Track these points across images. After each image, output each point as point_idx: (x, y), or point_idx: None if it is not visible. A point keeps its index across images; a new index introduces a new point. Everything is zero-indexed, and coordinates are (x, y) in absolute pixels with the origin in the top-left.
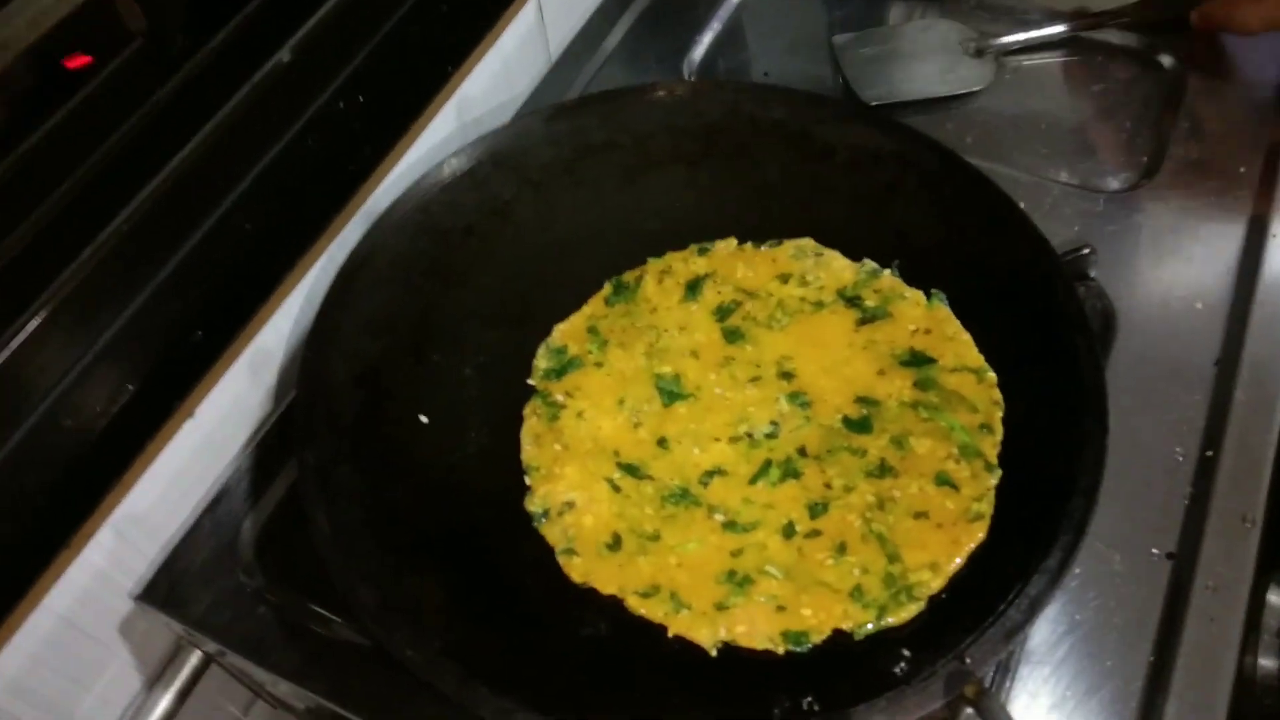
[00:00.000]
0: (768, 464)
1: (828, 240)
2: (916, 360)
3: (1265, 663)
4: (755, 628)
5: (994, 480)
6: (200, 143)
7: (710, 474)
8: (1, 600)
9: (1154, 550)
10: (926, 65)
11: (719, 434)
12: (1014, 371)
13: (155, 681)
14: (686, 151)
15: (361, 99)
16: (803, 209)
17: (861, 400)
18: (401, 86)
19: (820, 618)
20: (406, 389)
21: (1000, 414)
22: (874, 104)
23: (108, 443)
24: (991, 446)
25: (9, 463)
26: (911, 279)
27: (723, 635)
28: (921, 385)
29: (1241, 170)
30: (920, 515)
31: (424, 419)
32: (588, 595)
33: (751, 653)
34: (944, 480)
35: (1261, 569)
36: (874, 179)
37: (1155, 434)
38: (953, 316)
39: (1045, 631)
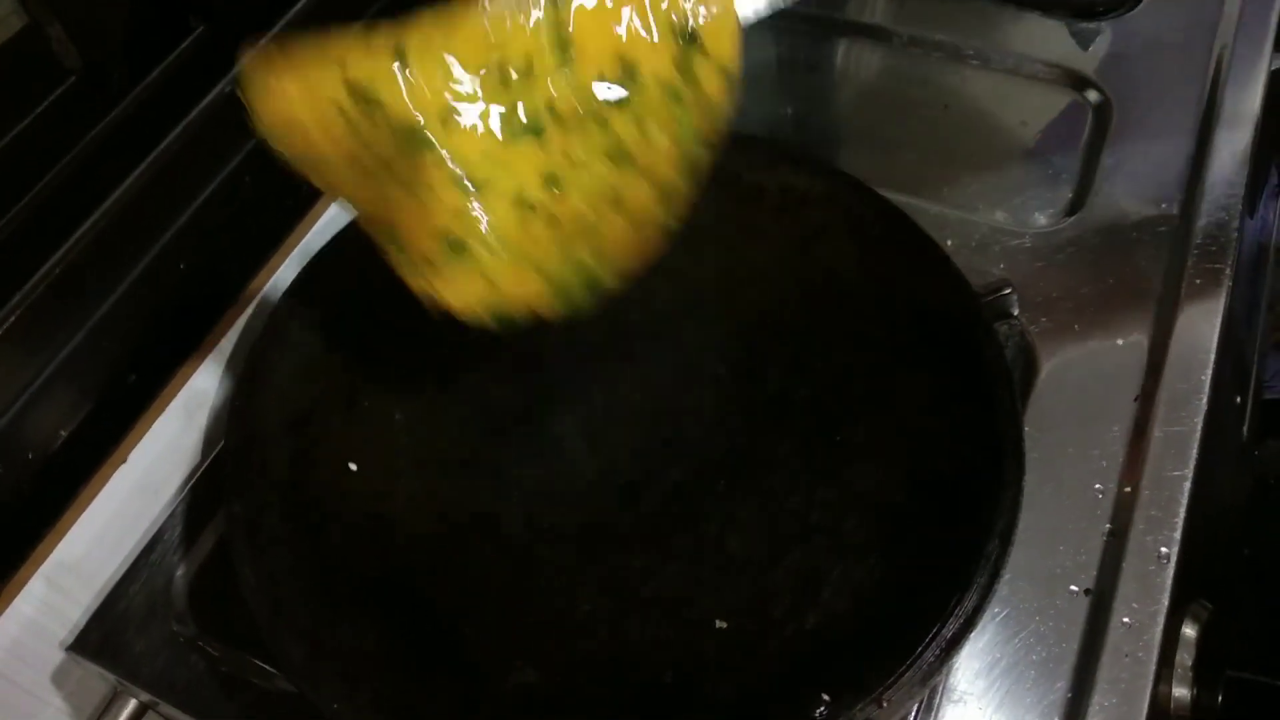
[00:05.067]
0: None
1: (756, 281)
2: (689, 38)
3: (1179, 692)
4: (462, 295)
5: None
6: (135, 180)
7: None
8: None
9: (1072, 586)
10: None
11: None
12: (933, 413)
13: None
14: None
15: None
16: (730, 249)
17: (623, 64)
18: None
19: (519, 297)
20: (337, 436)
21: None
22: None
23: (39, 489)
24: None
25: None
26: (838, 317)
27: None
28: (682, 70)
29: (1163, 207)
30: (634, 219)
31: (353, 466)
32: (519, 643)
33: (679, 702)
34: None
35: (1176, 603)
36: (803, 220)
37: (1075, 470)
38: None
39: (967, 668)
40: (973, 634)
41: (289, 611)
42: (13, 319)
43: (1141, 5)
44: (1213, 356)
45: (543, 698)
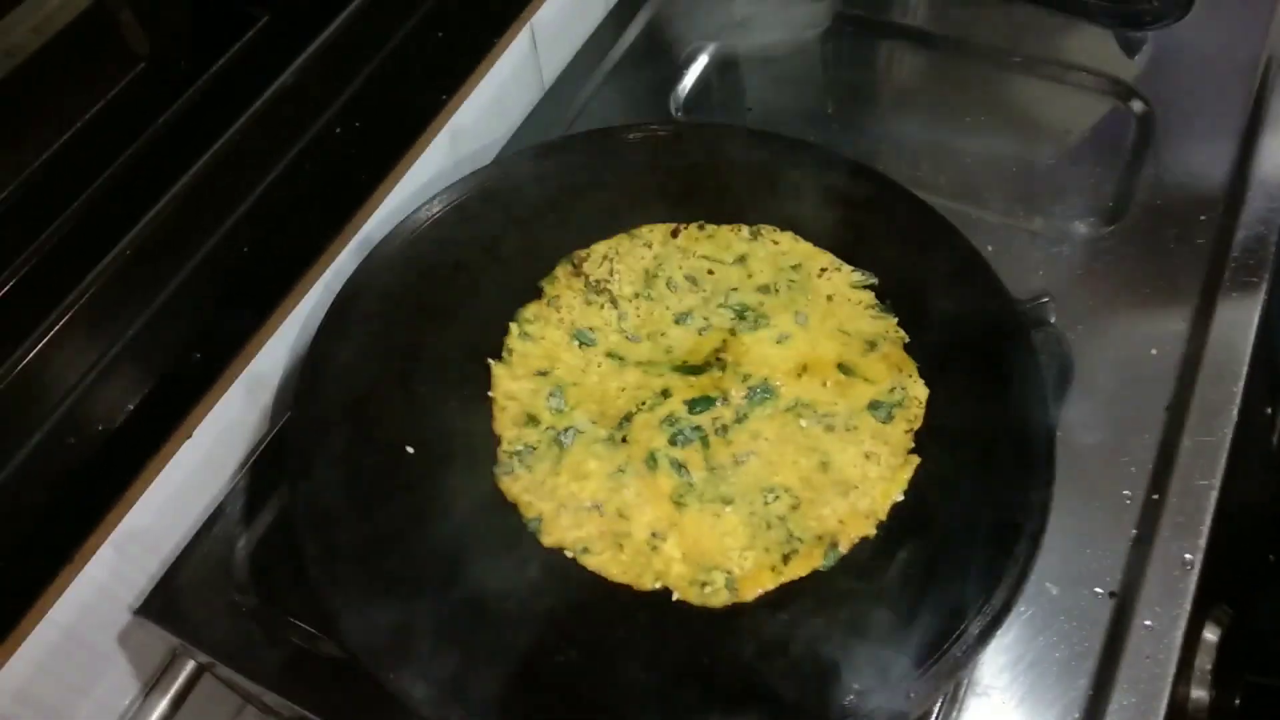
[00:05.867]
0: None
1: None
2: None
3: (1198, 694)
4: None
5: None
6: (202, 166)
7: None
8: (8, 613)
9: (1097, 589)
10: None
11: None
12: (970, 419)
13: (151, 689)
14: (669, 192)
15: (358, 125)
16: None
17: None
18: (397, 113)
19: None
20: (394, 420)
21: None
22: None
23: (110, 461)
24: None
25: (15, 479)
26: None
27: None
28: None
29: (1203, 218)
30: None
31: (410, 449)
32: (564, 623)
33: (712, 677)
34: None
35: (1198, 608)
36: (849, 224)
37: (1105, 476)
38: None
39: (992, 664)
40: (999, 631)
41: (346, 585)
42: (85, 299)
43: (1188, 15)
44: (1245, 368)
45: (583, 677)
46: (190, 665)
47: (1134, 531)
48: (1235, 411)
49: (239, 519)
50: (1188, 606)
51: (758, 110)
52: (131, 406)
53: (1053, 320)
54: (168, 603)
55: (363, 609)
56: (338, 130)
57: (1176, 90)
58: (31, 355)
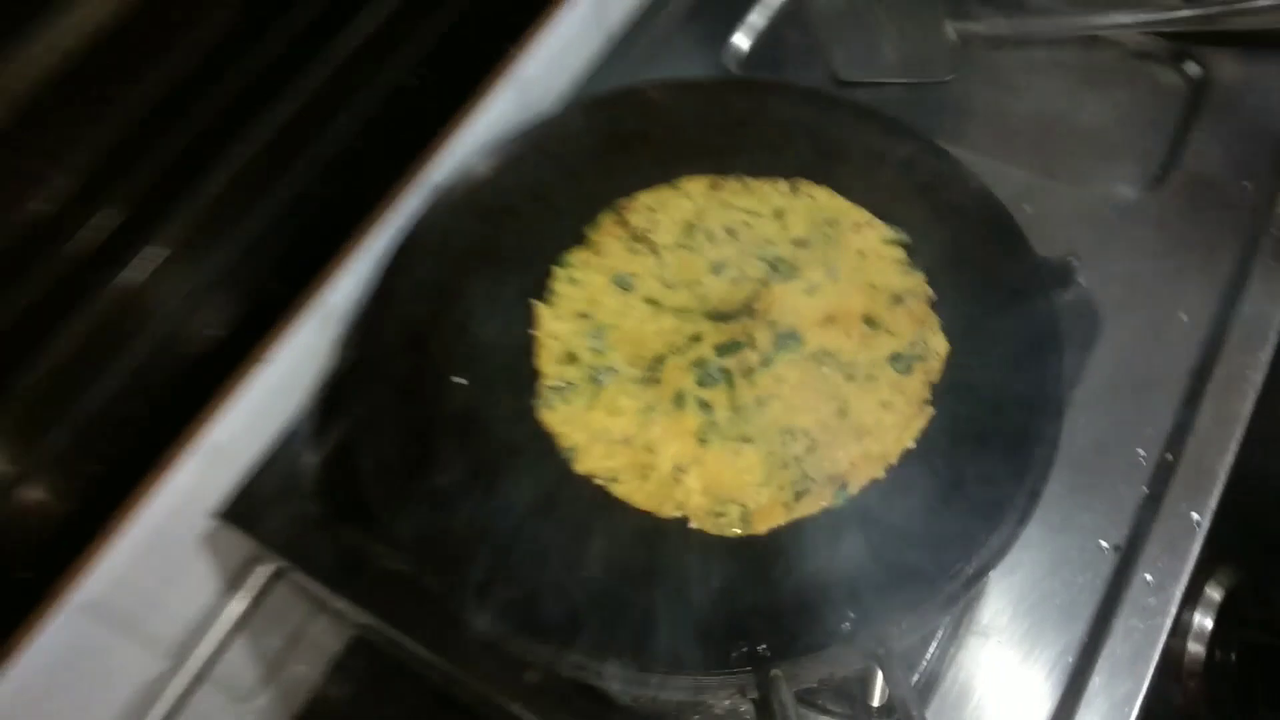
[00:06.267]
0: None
1: None
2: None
3: (1194, 648)
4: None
5: None
6: (290, 111)
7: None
8: (106, 512)
9: (1102, 542)
10: (903, 44)
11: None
12: (986, 377)
13: (230, 587)
14: (713, 145)
15: (430, 76)
16: None
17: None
18: (465, 65)
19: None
20: (448, 353)
21: None
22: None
23: (198, 379)
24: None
25: (118, 392)
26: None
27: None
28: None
29: (1246, 186)
30: None
31: (461, 380)
32: (588, 542)
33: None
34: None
35: (1202, 566)
36: (885, 181)
37: (1121, 434)
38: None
39: (994, 605)
40: (1000, 574)
41: (400, 499)
42: (182, 230)
43: None
44: (1272, 338)
45: (604, 593)
46: (266, 570)
47: (1144, 490)
48: (1260, 379)
49: (310, 437)
50: (1190, 565)
51: (810, 67)
52: (219, 331)
53: (1081, 281)
54: (244, 509)
55: (409, 519)
56: (412, 81)
57: (1234, 56)
58: (138, 279)
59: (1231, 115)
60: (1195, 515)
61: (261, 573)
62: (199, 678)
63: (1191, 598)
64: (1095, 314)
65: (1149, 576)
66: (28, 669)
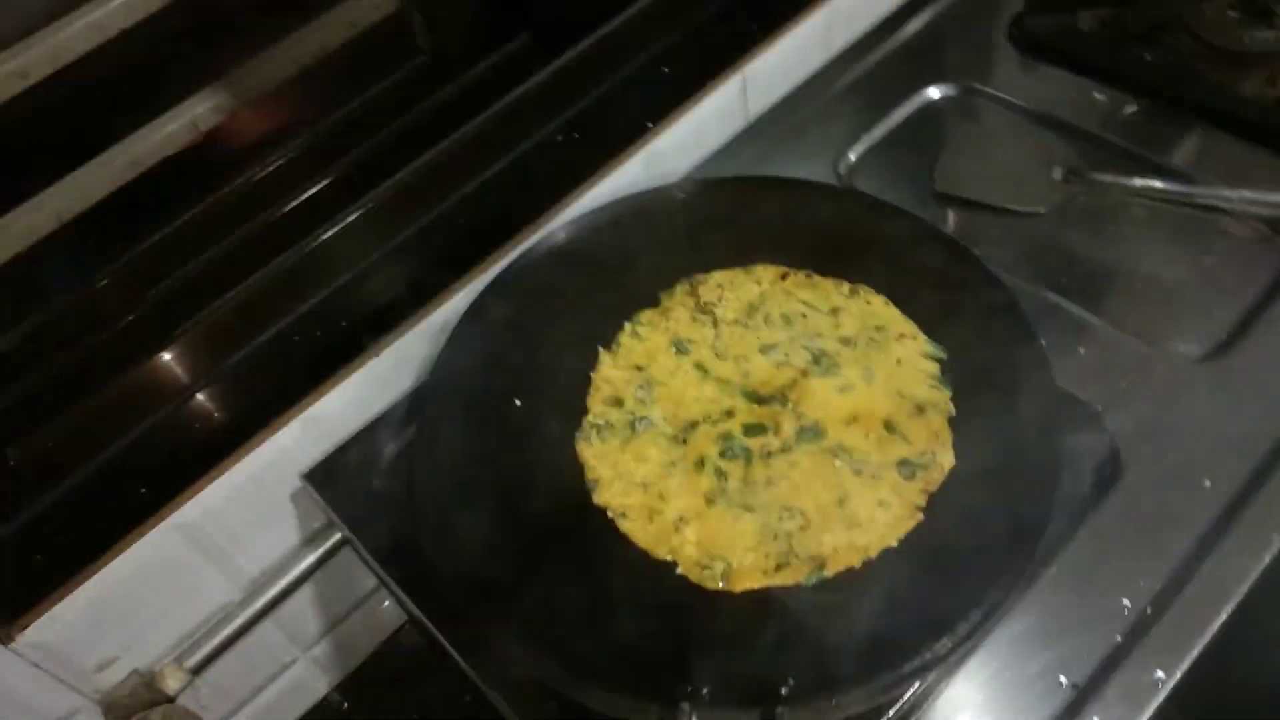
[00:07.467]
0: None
1: None
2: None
3: None
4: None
5: None
6: (449, 145)
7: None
8: (216, 455)
9: (1063, 677)
10: (1005, 171)
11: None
12: (979, 491)
13: (308, 543)
14: (791, 240)
15: (576, 135)
16: None
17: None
18: (606, 132)
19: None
20: (513, 377)
21: None
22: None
23: (316, 359)
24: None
25: (254, 359)
26: None
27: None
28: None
29: None
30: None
31: (518, 402)
32: (585, 563)
33: (685, 639)
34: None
35: None
36: (937, 300)
37: (1113, 579)
38: None
39: (940, 712)
40: (953, 685)
41: (439, 493)
42: (329, 236)
43: None
44: None
45: (586, 609)
46: (337, 536)
47: (1118, 638)
48: (1268, 556)
49: (395, 428)
50: (1145, 717)
51: (909, 182)
52: (343, 323)
53: (1108, 427)
54: (326, 475)
55: (444, 512)
56: (559, 138)
57: None
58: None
59: None
60: (1160, 673)
61: (335, 537)
62: (265, 613)
63: None
64: (1119, 459)
65: (1096, 718)
66: (127, 567)
